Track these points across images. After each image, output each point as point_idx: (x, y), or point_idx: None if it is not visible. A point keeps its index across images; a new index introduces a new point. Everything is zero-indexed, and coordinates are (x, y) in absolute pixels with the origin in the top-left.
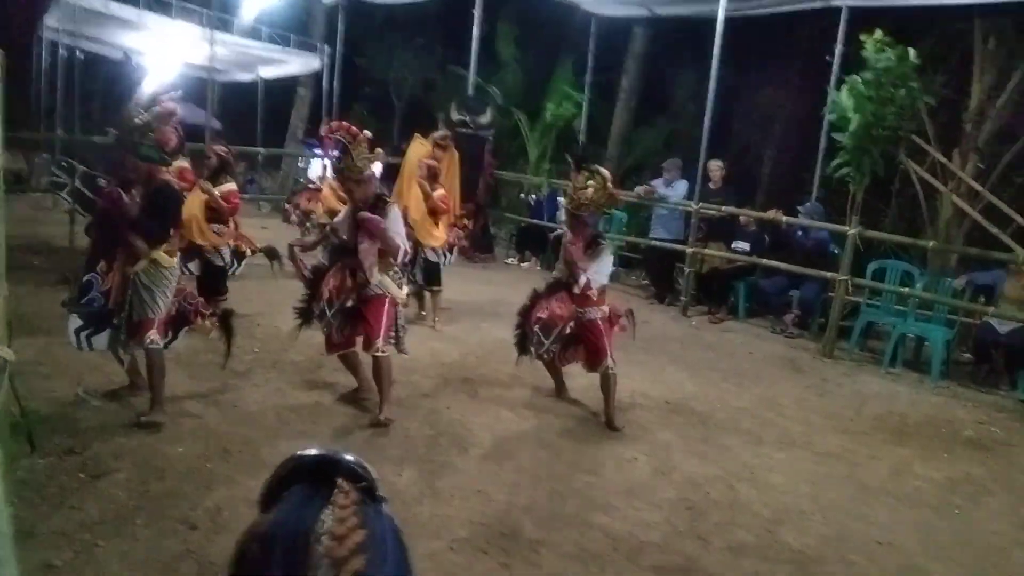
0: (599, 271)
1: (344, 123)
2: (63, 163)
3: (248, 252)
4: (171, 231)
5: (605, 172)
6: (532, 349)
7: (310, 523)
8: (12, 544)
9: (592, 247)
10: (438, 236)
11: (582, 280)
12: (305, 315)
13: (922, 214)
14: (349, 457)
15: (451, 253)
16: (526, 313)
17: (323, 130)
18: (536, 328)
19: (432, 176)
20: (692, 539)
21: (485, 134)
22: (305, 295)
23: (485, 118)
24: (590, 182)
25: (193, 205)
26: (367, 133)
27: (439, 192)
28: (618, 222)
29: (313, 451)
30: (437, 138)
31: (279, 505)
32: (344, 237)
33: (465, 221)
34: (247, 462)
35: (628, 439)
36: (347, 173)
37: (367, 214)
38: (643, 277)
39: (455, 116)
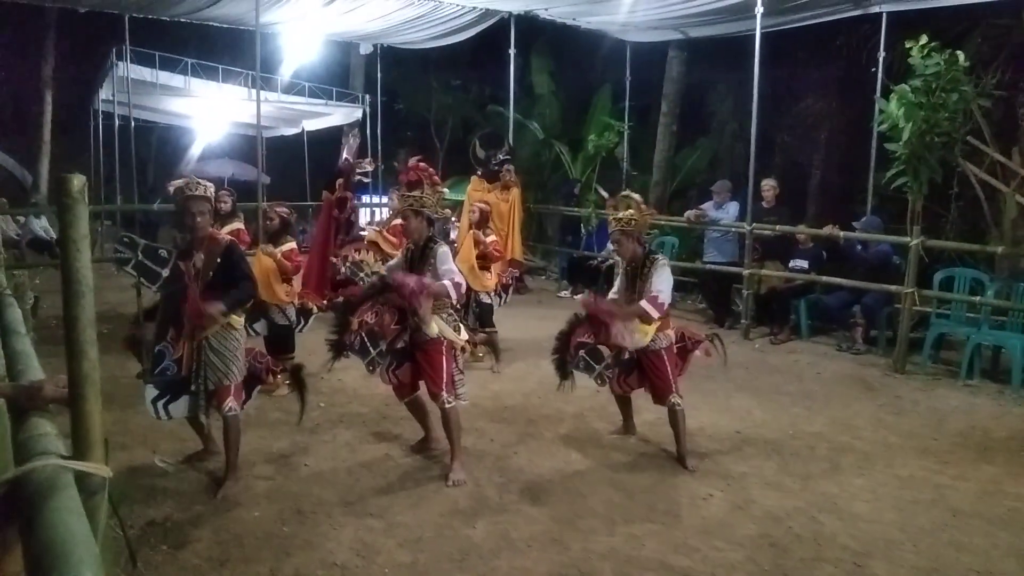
0: (663, 289)
1: (428, 167)
2: (125, 239)
3: (315, 309)
4: (255, 290)
5: (635, 195)
6: (574, 373)
7: None
8: None
9: (648, 264)
10: (488, 282)
11: (649, 308)
12: (337, 347)
13: (985, 216)
14: None
15: (506, 293)
16: (564, 337)
17: (402, 164)
18: (582, 353)
19: (483, 220)
20: None
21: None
22: (335, 327)
23: (503, 152)
24: (629, 210)
25: (264, 265)
26: (445, 190)
27: (491, 239)
28: (669, 247)
29: None
30: (508, 178)
31: None
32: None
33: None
34: (322, 524)
35: (701, 474)
36: (411, 202)
37: (402, 279)
38: (700, 301)
39: (480, 154)
